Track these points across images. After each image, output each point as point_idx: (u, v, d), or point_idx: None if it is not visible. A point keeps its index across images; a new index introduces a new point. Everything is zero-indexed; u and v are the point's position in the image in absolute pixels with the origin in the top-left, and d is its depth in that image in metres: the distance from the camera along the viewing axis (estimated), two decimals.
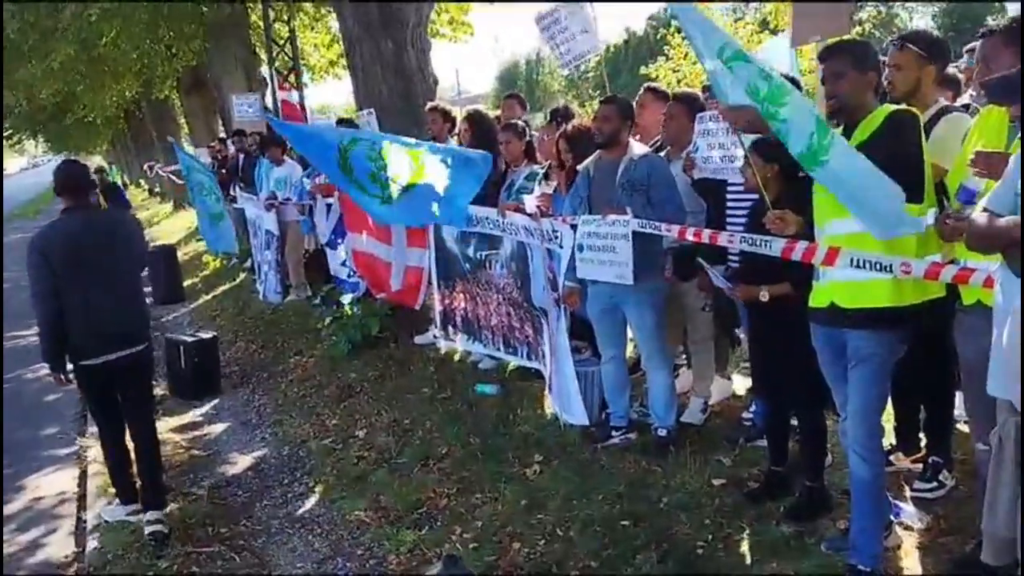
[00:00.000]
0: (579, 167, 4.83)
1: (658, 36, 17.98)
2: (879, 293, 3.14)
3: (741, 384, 5.34)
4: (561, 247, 4.76)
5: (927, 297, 3.18)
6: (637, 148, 4.67)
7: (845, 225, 3.21)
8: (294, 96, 12.90)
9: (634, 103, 5.20)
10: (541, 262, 5.04)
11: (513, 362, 5.87)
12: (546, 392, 5.36)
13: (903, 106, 3.25)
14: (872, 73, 3.23)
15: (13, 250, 19.52)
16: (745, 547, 3.76)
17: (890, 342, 3.20)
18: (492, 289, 5.77)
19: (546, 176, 5.45)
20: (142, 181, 38.38)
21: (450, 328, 6.32)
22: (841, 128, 3.31)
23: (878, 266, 3.09)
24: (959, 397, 4.17)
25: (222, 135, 15.34)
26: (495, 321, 5.80)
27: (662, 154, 5.00)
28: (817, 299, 3.36)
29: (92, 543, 4.85)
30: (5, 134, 34.31)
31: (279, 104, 12.72)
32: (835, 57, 3.26)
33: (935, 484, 3.86)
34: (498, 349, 5.89)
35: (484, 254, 5.74)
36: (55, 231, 4.62)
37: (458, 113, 6.68)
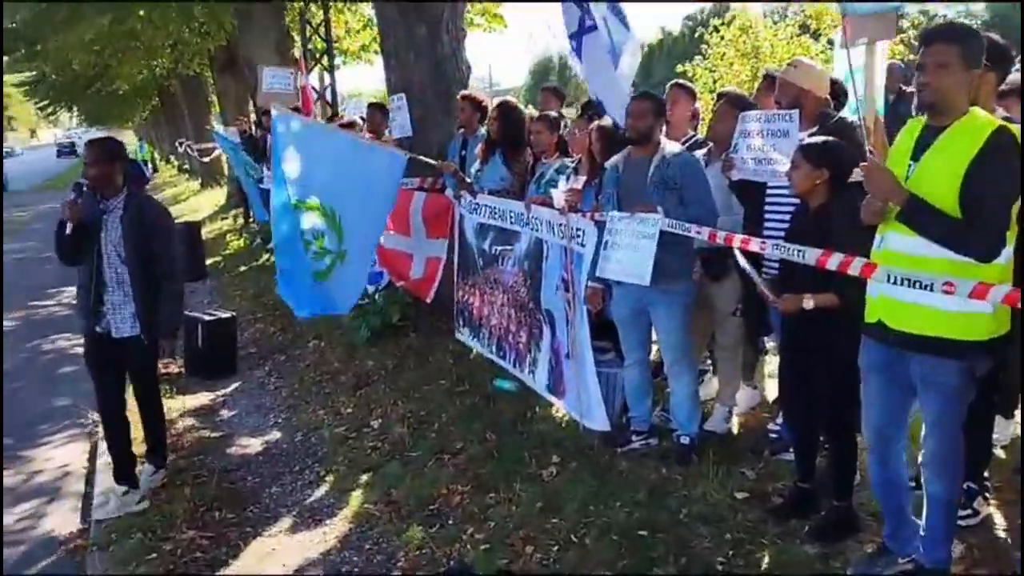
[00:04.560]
0: (607, 163, 4.68)
1: (695, 35, 17.71)
2: (933, 321, 2.94)
3: (770, 394, 5.18)
4: (583, 246, 4.60)
5: (995, 333, 2.94)
6: (670, 146, 4.52)
7: (904, 242, 2.98)
8: (313, 80, 12.69)
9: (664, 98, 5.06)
10: (557, 261, 4.89)
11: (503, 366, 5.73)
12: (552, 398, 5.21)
13: (1002, 121, 2.93)
14: (976, 72, 2.90)
15: (44, 219, 19.74)
16: (766, 565, 3.62)
17: (959, 371, 2.96)
18: (499, 288, 5.63)
19: (575, 170, 5.31)
20: (172, 157, 38.62)
21: (461, 321, 6.20)
22: (922, 123, 3.04)
23: (917, 284, 2.91)
24: (998, 422, 4.02)
25: (252, 115, 15.31)
26: (495, 321, 5.68)
27: (701, 152, 4.85)
28: (868, 314, 3.18)
29: (97, 519, 4.77)
30: (40, 105, 34.59)
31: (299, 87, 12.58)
32: (943, 44, 2.88)
33: (970, 511, 3.69)
34: (491, 350, 5.76)
35: (499, 249, 5.60)
36: None
37: (491, 104, 6.51)
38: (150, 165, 32.40)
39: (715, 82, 14.27)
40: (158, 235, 4.78)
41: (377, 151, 5.64)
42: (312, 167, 5.22)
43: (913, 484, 3.90)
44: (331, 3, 14.14)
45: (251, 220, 14.84)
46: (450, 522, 4.33)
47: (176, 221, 14.21)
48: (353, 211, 5.24)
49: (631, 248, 4.32)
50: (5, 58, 18.49)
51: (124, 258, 4.67)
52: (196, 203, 22.47)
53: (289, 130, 5.26)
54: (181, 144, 24.27)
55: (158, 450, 5.18)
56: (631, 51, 5.19)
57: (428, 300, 6.53)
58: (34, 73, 25.14)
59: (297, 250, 5.31)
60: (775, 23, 15.00)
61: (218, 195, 21.53)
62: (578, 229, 4.64)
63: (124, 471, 4.92)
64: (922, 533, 3.26)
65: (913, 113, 3.23)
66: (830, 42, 12.51)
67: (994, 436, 3.98)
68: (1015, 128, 2.90)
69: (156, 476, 5.09)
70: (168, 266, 4.81)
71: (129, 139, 38.42)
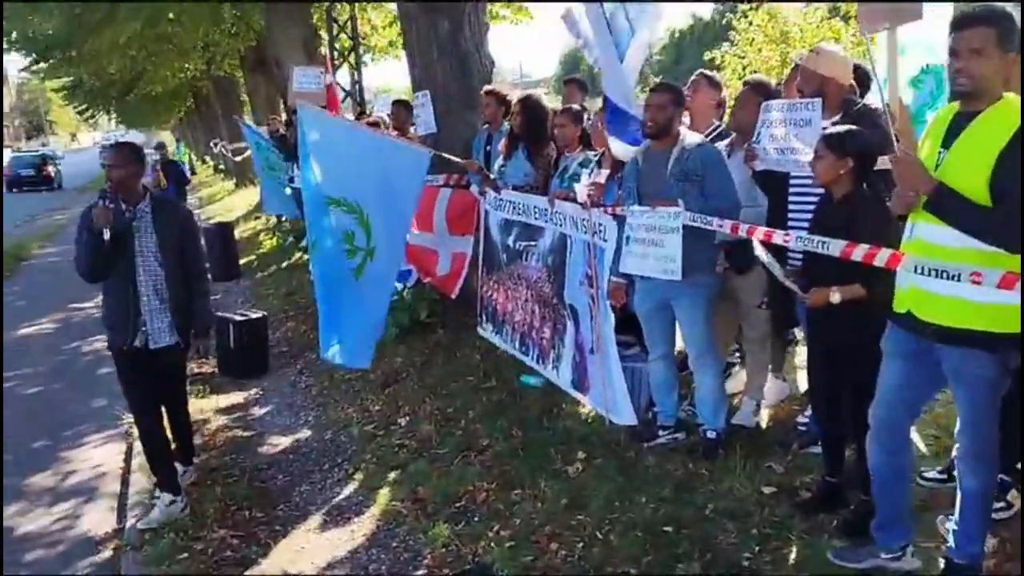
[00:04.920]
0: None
1: (724, 21, 17.51)
2: (965, 312, 2.87)
3: (800, 386, 5.11)
4: (605, 240, 4.57)
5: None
6: (690, 137, 4.47)
7: (934, 232, 2.91)
8: (343, 77, 12.76)
9: (686, 88, 5.00)
10: (581, 255, 4.85)
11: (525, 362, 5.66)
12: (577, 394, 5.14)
13: None
14: (1013, 55, 2.76)
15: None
16: (794, 561, 3.57)
17: (993, 363, 2.88)
18: (522, 283, 5.60)
19: (599, 164, 5.27)
20: (207, 158, 39.10)
21: (484, 317, 6.19)
22: (954, 110, 2.95)
23: (945, 274, 2.84)
24: None
25: (283, 115, 15.43)
26: (518, 317, 5.64)
27: (724, 143, 4.79)
28: (897, 304, 3.12)
29: (132, 520, 4.86)
30: (79, 109, 35.29)
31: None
32: (978, 28, 2.76)
33: (1002, 504, 3.61)
34: (514, 346, 5.74)
35: (523, 244, 5.57)
36: None
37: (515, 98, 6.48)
38: (187, 166, 32.86)
39: (744, 68, 14.10)
40: (188, 235, 4.79)
41: (402, 148, 5.62)
42: (339, 164, 5.18)
43: (946, 476, 3.86)
44: (357, 1, 14.17)
45: (283, 219, 14.98)
46: (476, 519, 4.35)
47: (210, 221, 14.40)
48: (380, 208, 5.20)
49: (655, 243, 4.28)
50: (43, 64, 18.85)
51: (162, 262, 4.60)
52: (230, 203, 22.72)
53: (316, 127, 5.23)
54: (216, 144, 24.55)
55: (187, 449, 5.25)
56: (641, 40, 5.06)
57: (453, 296, 6.53)
58: (71, 78, 25.59)
59: (327, 248, 5.29)
60: (805, 6, 14.70)
61: (252, 194, 21.71)
62: (599, 224, 4.61)
63: (170, 480, 4.85)
64: (954, 527, 3.20)
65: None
66: None
67: None
68: None
69: (186, 475, 5.16)
70: (199, 265, 4.85)
71: (167, 140, 38.99)
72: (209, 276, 5.17)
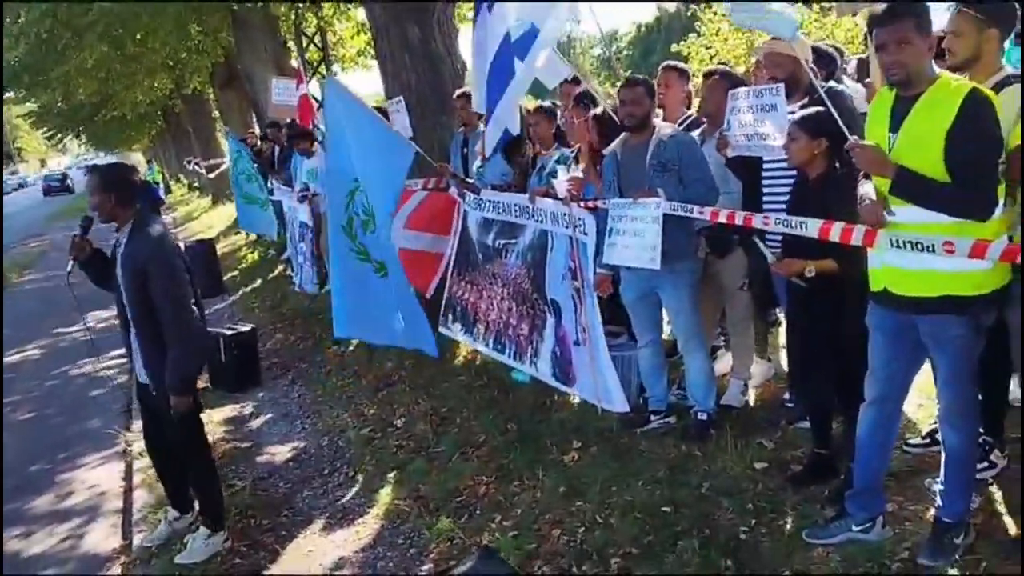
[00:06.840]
0: (605, 151, 4.75)
1: (689, 13, 17.69)
2: (936, 282, 3.01)
3: (784, 365, 5.23)
4: (585, 234, 4.67)
5: (998, 285, 3.01)
6: (665, 128, 4.58)
7: (899, 213, 3.04)
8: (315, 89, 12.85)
9: (656, 83, 5.10)
10: (562, 250, 4.95)
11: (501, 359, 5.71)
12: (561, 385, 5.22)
13: (973, 83, 2.97)
14: (932, 38, 2.98)
15: (61, 248, 19.96)
16: (789, 532, 3.69)
17: (965, 325, 3.03)
18: (498, 282, 5.65)
19: (576, 159, 5.38)
20: (181, 176, 38.91)
21: (450, 317, 6.21)
22: (892, 95, 3.10)
23: (919, 245, 2.98)
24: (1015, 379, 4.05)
25: (256, 128, 15.44)
26: (493, 316, 5.69)
27: (696, 132, 4.91)
28: (873, 283, 3.25)
29: (138, 536, 4.91)
30: (47, 134, 35.06)
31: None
32: (899, 21, 2.95)
33: (986, 464, 3.74)
34: (487, 345, 5.79)
35: (503, 243, 5.62)
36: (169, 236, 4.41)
37: None
38: (162, 187, 32.70)
39: (711, 58, 14.28)
40: (153, 270, 4.11)
41: (395, 139, 5.51)
42: (353, 146, 5.16)
43: (928, 441, 4.00)
44: (323, 12, 14.22)
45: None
46: (477, 512, 4.44)
47: (191, 239, 14.30)
48: (376, 193, 5.20)
49: (635, 234, 4.39)
50: (11, 93, 18.76)
51: (128, 298, 4.21)
52: (209, 220, 22.63)
53: (340, 106, 5.07)
54: (190, 162, 24.48)
55: (207, 511, 4.61)
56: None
57: (428, 295, 6.57)
58: (38, 104, 25.43)
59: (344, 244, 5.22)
60: None
61: (230, 210, 21.58)
62: (579, 218, 4.71)
63: (174, 499, 4.81)
64: (940, 487, 3.33)
65: None
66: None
67: (1011, 390, 4.02)
68: (987, 89, 2.96)
69: (213, 540, 4.54)
70: (167, 308, 4.12)
71: (138, 161, 38.88)
72: (188, 320, 4.19)
